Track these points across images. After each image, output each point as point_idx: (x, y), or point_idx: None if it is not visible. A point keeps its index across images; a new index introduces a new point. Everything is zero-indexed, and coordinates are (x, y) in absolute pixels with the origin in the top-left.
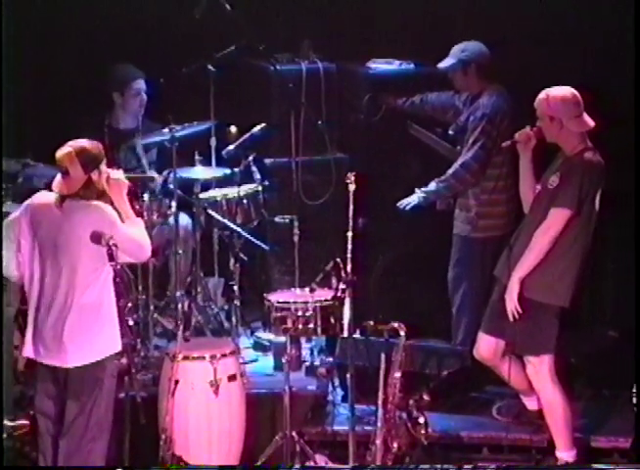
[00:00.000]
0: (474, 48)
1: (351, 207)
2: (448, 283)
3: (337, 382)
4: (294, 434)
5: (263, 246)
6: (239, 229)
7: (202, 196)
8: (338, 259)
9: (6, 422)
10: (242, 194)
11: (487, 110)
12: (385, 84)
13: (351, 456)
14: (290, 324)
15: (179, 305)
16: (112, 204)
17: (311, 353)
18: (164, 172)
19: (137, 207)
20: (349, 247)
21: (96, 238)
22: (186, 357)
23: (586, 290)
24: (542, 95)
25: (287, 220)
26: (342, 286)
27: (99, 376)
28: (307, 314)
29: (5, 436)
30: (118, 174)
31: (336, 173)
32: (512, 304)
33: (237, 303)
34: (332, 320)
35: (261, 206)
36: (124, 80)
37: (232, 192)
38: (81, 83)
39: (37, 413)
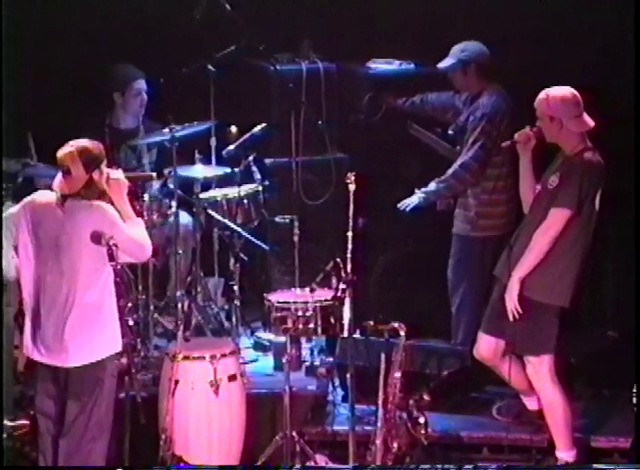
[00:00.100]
0: (473, 48)
1: (351, 207)
2: (448, 282)
3: (337, 382)
4: (294, 434)
5: (263, 246)
6: (239, 229)
7: (202, 196)
8: (338, 259)
9: (6, 422)
10: (242, 194)
11: (487, 110)
12: (385, 84)
13: (351, 456)
14: (290, 324)
15: (179, 305)
16: (112, 204)
17: (311, 353)
18: (165, 172)
19: (137, 207)
20: (349, 247)
21: (96, 238)
22: (186, 357)
23: (586, 290)
24: (542, 95)
25: (287, 220)
26: (342, 286)
27: (99, 376)
28: (307, 314)
29: (5, 436)
30: (118, 174)
31: (336, 173)
32: (512, 303)
33: (237, 303)
34: (332, 320)
35: (261, 206)
36: (125, 80)
37: (232, 192)
38: (82, 83)
39: (37, 413)
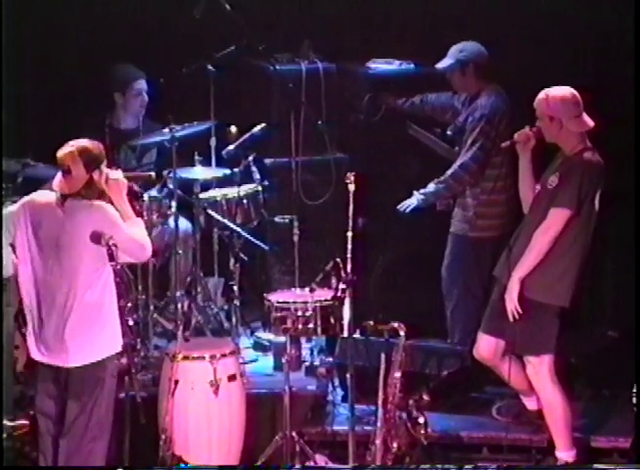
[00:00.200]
0: (472, 48)
1: (351, 207)
2: (442, 282)
3: (337, 382)
4: (294, 434)
5: (263, 246)
6: (239, 229)
7: (202, 196)
8: (338, 259)
9: (6, 422)
10: (242, 194)
11: (486, 110)
12: (385, 84)
13: (351, 456)
14: (290, 324)
15: (179, 305)
16: (111, 204)
17: (311, 353)
18: (164, 173)
19: (137, 207)
20: (349, 247)
21: (96, 238)
22: (186, 357)
23: (586, 290)
24: (542, 95)
25: (287, 220)
26: (342, 286)
27: (100, 376)
28: (307, 314)
29: (5, 436)
30: (117, 174)
31: (336, 173)
32: (512, 304)
33: (237, 303)
34: (332, 320)
35: (261, 206)
36: (126, 80)
37: (232, 192)
38: (82, 83)
39: (38, 413)
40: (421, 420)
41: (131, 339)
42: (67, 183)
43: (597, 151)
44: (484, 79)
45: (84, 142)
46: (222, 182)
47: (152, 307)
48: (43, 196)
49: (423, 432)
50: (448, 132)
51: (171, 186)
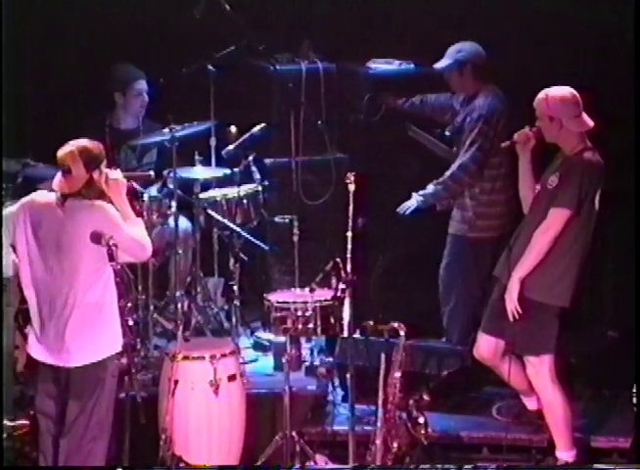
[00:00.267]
0: (469, 49)
1: (351, 207)
2: (440, 282)
3: (337, 382)
4: (294, 434)
5: (263, 246)
6: (239, 229)
7: (202, 196)
8: (338, 259)
9: (6, 422)
10: (242, 194)
11: (484, 111)
12: (385, 84)
13: (351, 456)
14: (290, 324)
15: (179, 305)
16: (111, 204)
17: (311, 353)
18: (164, 173)
19: (137, 207)
20: (349, 247)
21: (96, 238)
22: (186, 357)
23: (586, 290)
24: (541, 95)
25: (287, 220)
26: (342, 286)
27: (101, 376)
28: (307, 314)
29: (5, 436)
30: (117, 174)
31: (336, 173)
32: (512, 304)
33: (237, 303)
34: (332, 320)
35: (261, 206)
36: (126, 81)
37: (232, 192)
38: (82, 83)
39: (38, 413)
40: (421, 420)
41: (131, 339)
42: (67, 183)
43: (597, 151)
44: (482, 80)
45: (84, 142)
46: (222, 182)
47: (152, 307)
48: (43, 196)
49: (423, 432)
50: (447, 133)
51: (171, 186)
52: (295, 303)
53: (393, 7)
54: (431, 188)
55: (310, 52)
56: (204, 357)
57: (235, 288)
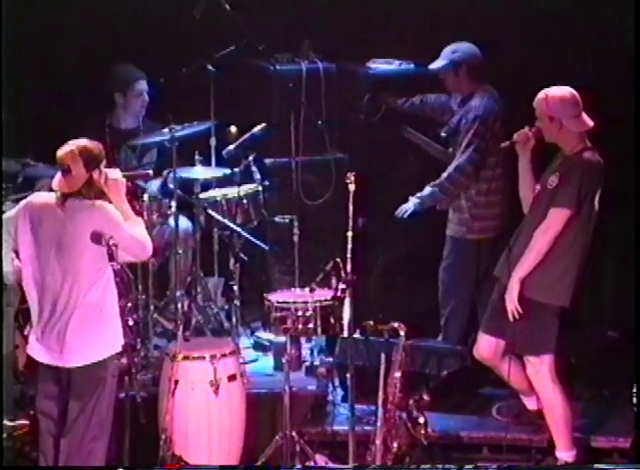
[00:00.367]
0: (465, 49)
1: (351, 207)
2: (440, 284)
3: (337, 382)
4: (294, 434)
5: (263, 246)
6: (239, 229)
7: (202, 196)
8: (338, 259)
9: (6, 422)
10: (242, 194)
11: (479, 112)
12: (385, 84)
13: (351, 456)
14: (290, 324)
15: (179, 305)
16: (111, 203)
17: (311, 353)
18: (164, 172)
19: (137, 207)
20: (349, 247)
21: (96, 238)
22: (186, 357)
23: (586, 290)
24: (541, 95)
25: (287, 220)
26: (342, 286)
27: (102, 375)
28: (307, 314)
29: (5, 436)
30: (116, 174)
31: (336, 173)
32: (512, 304)
33: (237, 303)
34: (332, 320)
35: (261, 206)
36: (126, 81)
37: (232, 192)
38: (82, 83)
39: (38, 413)
40: (421, 420)
41: (131, 339)
42: (66, 182)
43: (597, 151)
44: (478, 80)
45: (84, 141)
46: (222, 182)
47: (152, 307)
48: (42, 197)
49: (423, 432)
50: (442, 134)
51: (171, 186)
52: (295, 303)
53: (393, 7)
54: (427, 190)
55: (310, 52)
56: (204, 357)
57: (235, 288)
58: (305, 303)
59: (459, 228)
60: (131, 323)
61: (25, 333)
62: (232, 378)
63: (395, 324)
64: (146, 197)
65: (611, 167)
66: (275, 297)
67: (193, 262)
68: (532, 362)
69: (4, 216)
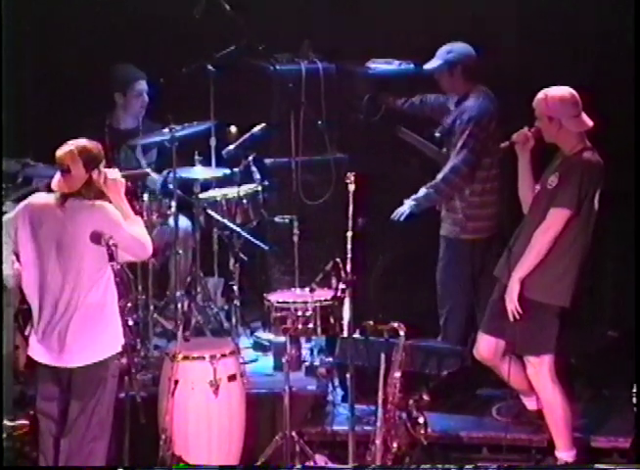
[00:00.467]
0: (460, 49)
1: (351, 207)
2: (438, 285)
3: (337, 382)
4: (294, 434)
5: (263, 246)
6: (239, 229)
7: (201, 196)
8: (337, 259)
9: (6, 422)
10: (241, 194)
11: (474, 112)
12: (384, 84)
13: (351, 456)
14: (290, 324)
15: (179, 305)
16: (111, 203)
17: (311, 353)
18: (164, 172)
19: (136, 206)
20: (349, 247)
21: (95, 238)
22: (186, 357)
23: (586, 290)
24: (541, 95)
25: (287, 220)
26: (341, 286)
27: (102, 375)
28: (307, 314)
29: (5, 436)
30: (115, 174)
31: (335, 173)
32: (512, 304)
33: (237, 303)
34: (332, 320)
35: (261, 206)
36: (126, 81)
37: (232, 192)
38: (82, 83)
39: (38, 413)
40: (421, 420)
41: (131, 339)
42: (66, 183)
43: (597, 151)
44: (473, 81)
45: (83, 141)
46: (222, 182)
47: (152, 307)
48: (41, 198)
49: (423, 432)
50: (436, 134)
51: (171, 186)
52: (295, 303)
53: (393, 7)
54: (423, 192)
55: (310, 52)
56: (204, 357)
57: (235, 288)
58: (305, 303)
59: (453, 228)
60: (131, 323)
61: (26, 333)
62: (232, 378)
63: (395, 324)
64: (146, 197)
65: (611, 167)
66: (275, 297)
67: (193, 262)
68: (532, 362)
69: (4, 218)
